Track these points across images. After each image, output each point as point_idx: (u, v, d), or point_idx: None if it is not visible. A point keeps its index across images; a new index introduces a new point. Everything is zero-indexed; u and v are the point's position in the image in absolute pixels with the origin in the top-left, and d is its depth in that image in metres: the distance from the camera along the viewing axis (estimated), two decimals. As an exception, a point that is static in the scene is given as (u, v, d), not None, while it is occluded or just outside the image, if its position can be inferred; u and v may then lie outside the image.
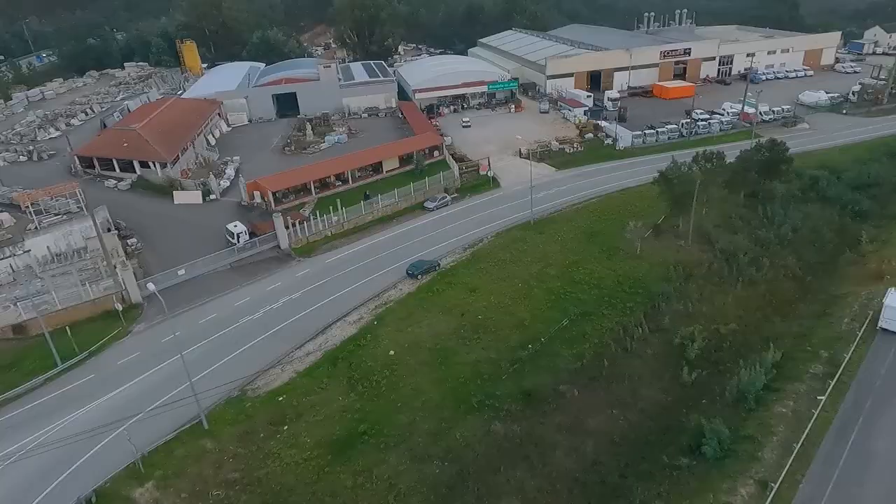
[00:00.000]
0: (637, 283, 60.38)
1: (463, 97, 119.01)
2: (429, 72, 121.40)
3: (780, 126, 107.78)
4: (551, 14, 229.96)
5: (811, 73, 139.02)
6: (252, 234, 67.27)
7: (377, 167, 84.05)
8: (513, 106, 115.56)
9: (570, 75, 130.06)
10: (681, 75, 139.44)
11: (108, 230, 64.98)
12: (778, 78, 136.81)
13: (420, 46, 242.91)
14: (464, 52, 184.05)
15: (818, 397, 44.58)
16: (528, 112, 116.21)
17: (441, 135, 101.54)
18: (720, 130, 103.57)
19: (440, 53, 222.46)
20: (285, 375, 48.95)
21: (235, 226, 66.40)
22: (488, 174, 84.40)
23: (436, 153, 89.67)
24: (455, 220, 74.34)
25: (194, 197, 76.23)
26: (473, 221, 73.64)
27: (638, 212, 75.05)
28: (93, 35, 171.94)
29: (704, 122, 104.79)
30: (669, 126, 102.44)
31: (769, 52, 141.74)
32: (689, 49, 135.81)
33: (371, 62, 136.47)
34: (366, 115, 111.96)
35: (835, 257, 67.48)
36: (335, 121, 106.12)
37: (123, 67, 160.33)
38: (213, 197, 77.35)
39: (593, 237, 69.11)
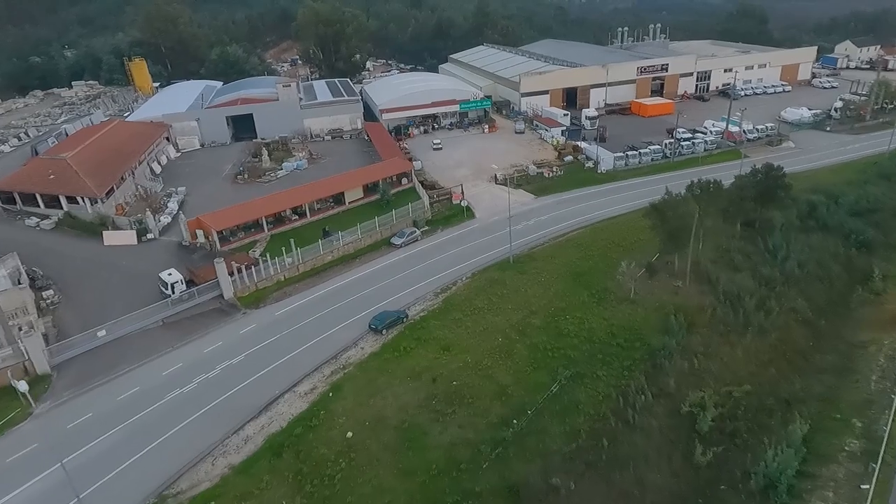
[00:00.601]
0: (633, 335, 52.19)
1: (433, 117, 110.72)
2: (397, 90, 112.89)
3: (764, 145, 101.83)
4: (523, 29, 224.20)
5: (789, 88, 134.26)
6: (190, 283, 57.56)
7: (339, 198, 74.93)
8: (486, 126, 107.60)
9: (546, 92, 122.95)
10: (658, 91, 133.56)
11: (19, 282, 54.68)
12: (756, 93, 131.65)
13: (390, 62, 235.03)
14: (434, 68, 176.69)
15: (862, 486, 36.75)
16: (502, 132, 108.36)
17: (410, 159, 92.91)
18: (704, 150, 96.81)
19: (410, 69, 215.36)
20: (216, 472, 39.31)
21: (170, 274, 56.51)
22: (461, 203, 75.92)
23: (404, 181, 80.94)
24: (425, 258, 65.59)
25: (128, 237, 66.13)
26: (446, 260, 64.98)
27: (627, 245, 67.37)
28: (39, 52, 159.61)
29: (688, 142, 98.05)
30: (652, 147, 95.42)
31: (746, 68, 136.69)
32: (667, 65, 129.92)
33: (336, 80, 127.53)
34: (329, 137, 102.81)
35: (846, 296, 60.42)
36: (295, 144, 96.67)
37: (71, 86, 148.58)
38: (150, 236, 67.32)
39: (580, 277, 60.91)
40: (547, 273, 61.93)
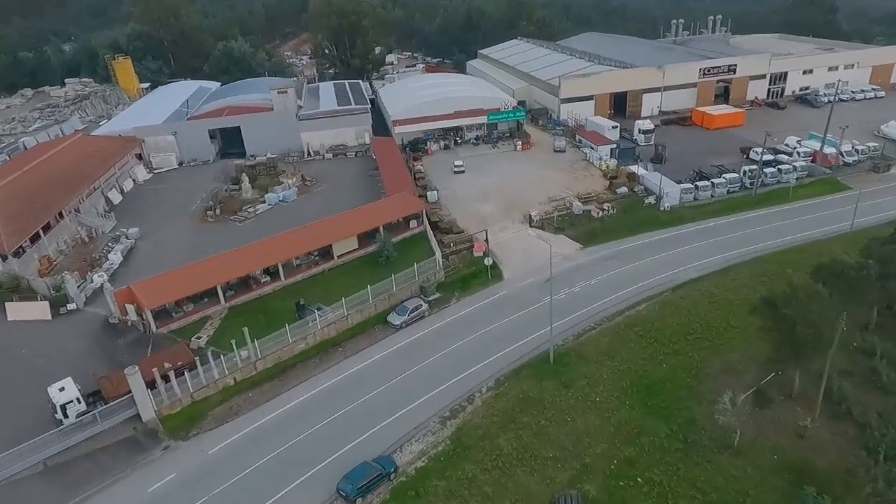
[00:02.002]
0: (746, 523, 32.79)
1: (456, 130, 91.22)
2: (413, 97, 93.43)
3: (867, 171, 79.65)
4: (559, 20, 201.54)
5: (882, 93, 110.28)
6: (95, 398, 39.97)
7: (326, 250, 56.51)
8: (519, 142, 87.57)
9: (590, 98, 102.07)
10: (722, 96, 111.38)
11: None
12: (843, 100, 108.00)
13: (416, 55, 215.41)
14: (463, 63, 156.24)
15: None
16: (538, 149, 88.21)
17: (424, 187, 73.84)
18: (796, 179, 75.21)
19: (437, 63, 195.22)
20: None
21: (62, 390, 38.83)
22: (485, 260, 56.62)
23: (413, 223, 61.94)
24: (431, 349, 46.76)
25: (38, 311, 48.79)
26: (460, 353, 46.13)
27: (714, 335, 47.40)
28: (31, 46, 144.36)
29: (772, 168, 76.50)
30: (729, 175, 74.26)
31: (830, 69, 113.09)
32: (735, 65, 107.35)
33: (346, 82, 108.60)
34: (330, 155, 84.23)
35: None
36: (288, 165, 78.11)
37: (64, 84, 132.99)
38: (71, 307, 49.94)
39: (652, 395, 41.36)
40: (603, 385, 42.51)
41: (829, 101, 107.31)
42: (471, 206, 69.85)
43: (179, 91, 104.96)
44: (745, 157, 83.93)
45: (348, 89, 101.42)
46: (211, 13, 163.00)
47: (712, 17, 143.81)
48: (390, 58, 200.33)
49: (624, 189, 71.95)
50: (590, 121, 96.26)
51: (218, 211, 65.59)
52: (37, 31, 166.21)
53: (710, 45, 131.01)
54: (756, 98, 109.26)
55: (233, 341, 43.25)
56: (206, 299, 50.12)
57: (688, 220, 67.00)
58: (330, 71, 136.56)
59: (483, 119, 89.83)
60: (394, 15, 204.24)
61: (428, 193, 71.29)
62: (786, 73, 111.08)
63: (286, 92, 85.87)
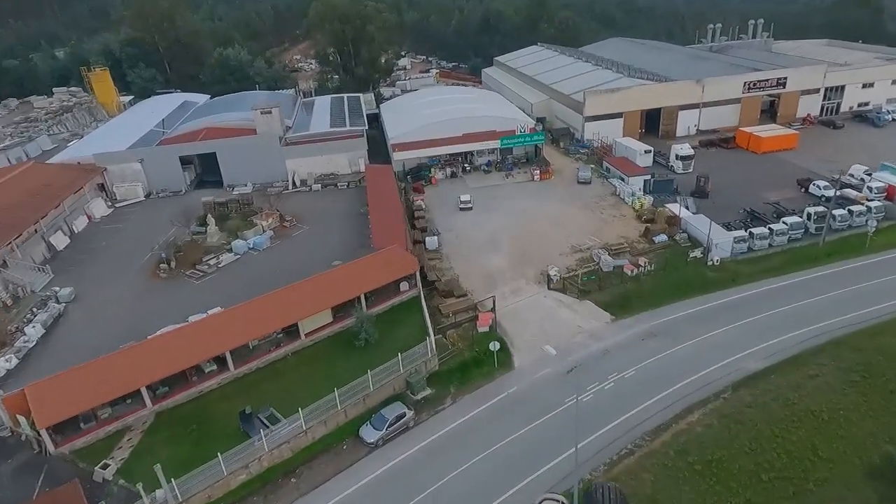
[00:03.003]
0: None
1: (466, 155, 78.59)
2: (416, 116, 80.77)
3: (955, 212, 65.46)
4: (583, 20, 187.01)
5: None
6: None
7: (292, 327, 44.38)
8: (537, 171, 74.61)
9: (618, 115, 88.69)
10: (766, 111, 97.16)
11: None
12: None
13: (430, 59, 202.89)
14: (479, 68, 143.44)
15: None
16: (559, 179, 75.20)
17: (422, 229, 61.45)
18: (870, 223, 61.11)
19: (452, 68, 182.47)
20: None
21: None
22: (490, 344, 43.77)
23: (404, 284, 49.52)
24: (413, 485, 34.46)
25: None
26: (449, 492, 33.82)
27: (802, 477, 34.21)
28: (20, 52, 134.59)
29: (842, 210, 62.52)
30: (790, 219, 60.55)
31: (893, 82, 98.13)
32: (785, 78, 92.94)
33: (345, 97, 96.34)
34: (318, 186, 72.11)
35: None
36: (265, 201, 65.95)
37: (52, 94, 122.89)
38: (-43, 408, 38.63)
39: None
40: (648, 563, 29.95)
41: (895, 120, 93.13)
42: (477, 257, 57.25)
43: (162, 106, 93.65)
44: (802, 190, 70.26)
45: (346, 106, 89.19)
46: (216, 16, 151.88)
47: (753, 22, 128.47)
48: (403, 62, 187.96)
49: (663, 237, 58.66)
50: (619, 143, 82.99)
51: (173, 264, 53.76)
52: (35, 34, 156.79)
53: (751, 53, 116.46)
54: (809, 115, 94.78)
55: (156, 467, 31.18)
56: (128, 400, 38.36)
57: (742, 281, 53.60)
58: (335, 79, 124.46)
59: (495, 143, 77.01)
60: (407, 17, 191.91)
61: (427, 239, 58.91)
62: (843, 87, 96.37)
63: (270, 112, 73.87)
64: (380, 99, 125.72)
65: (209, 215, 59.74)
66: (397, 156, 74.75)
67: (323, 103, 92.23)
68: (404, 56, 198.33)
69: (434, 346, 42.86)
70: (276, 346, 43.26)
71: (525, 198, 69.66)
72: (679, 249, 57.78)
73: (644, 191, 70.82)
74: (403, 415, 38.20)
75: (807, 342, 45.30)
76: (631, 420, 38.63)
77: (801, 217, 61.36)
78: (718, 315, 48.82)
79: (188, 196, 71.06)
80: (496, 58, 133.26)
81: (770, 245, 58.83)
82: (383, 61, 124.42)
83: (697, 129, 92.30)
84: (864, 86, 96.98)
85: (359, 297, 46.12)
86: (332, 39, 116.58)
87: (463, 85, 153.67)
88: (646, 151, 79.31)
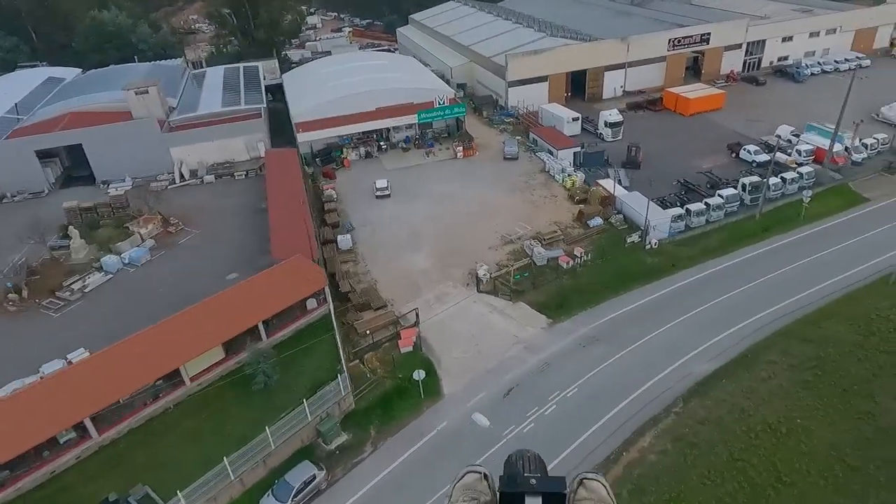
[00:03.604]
0: None
1: (381, 132, 70.22)
2: (322, 90, 70.92)
3: (880, 172, 64.05)
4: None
5: (867, 61, 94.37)
6: None
7: (175, 372, 36.20)
8: (460, 148, 67.50)
9: (543, 79, 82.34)
10: (690, 68, 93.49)
11: None
12: (826, 72, 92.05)
13: (342, 16, 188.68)
14: (394, 26, 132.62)
15: None
16: (484, 155, 68.50)
17: (333, 225, 53.53)
18: (804, 189, 58.35)
19: (367, 26, 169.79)
20: None
21: None
22: (414, 374, 37.29)
23: (313, 301, 41.97)
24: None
25: None
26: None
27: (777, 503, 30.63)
28: None
29: (775, 178, 59.28)
30: (726, 192, 56.76)
31: (811, 34, 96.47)
32: (709, 34, 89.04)
33: (240, 66, 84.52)
34: (212, 177, 62.08)
35: None
36: (138, 206, 54.83)
37: None
38: None
39: None
40: None
41: (814, 74, 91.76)
42: (397, 257, 50.24)
43: (18, 85, 78.66)
44: (733, 155, 67.09)
45: (241, 78, 77.84)
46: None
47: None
48: (313, 20, 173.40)
49: (598, 220, 53.50)
50: (545, 110, 76.90)
51: (24, 292, 43.60)
52: None
53: (672, 6, 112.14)
54: (732, 72, 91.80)
55: None
56: (-48, 492, 29.65)
57: (682, 265, 49.55)
58: (233, 44, 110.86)
59: (413, 118, 68.99)
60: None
61: (339, 238, 51.18)
62: (763, 42, 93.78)
63: (147, 91, 62.35)
64: (287, 64, 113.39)
65: (72, 226, 49.15)
66: (302, 137, 65.47)
67: (215, 76, 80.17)
68: (314, 13, 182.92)
69: (348, 381, 36.04)
70: (153, 398, 35.10)
71: (448, 180, 62.65)
72: (615, 233, 52.91)
73: (574, 164, 65.57)
74: (313, 477, 31.49)
75: (754, 335, 41.80)
76: (579, 451, 33.68)
77: (735, 189, 58.00)
78: (661, 309, 44.52)
79: (53, 197, 59.41)
80: (411, 16, 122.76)
81: (707, 221, 55.14)
82: (286, 22, 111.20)
83: (623, 91, 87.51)
84: (784, 40, 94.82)
85: (256, 327, 38.36)
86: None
87: (377, 45, 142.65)
88: (573, 119, 73.78)
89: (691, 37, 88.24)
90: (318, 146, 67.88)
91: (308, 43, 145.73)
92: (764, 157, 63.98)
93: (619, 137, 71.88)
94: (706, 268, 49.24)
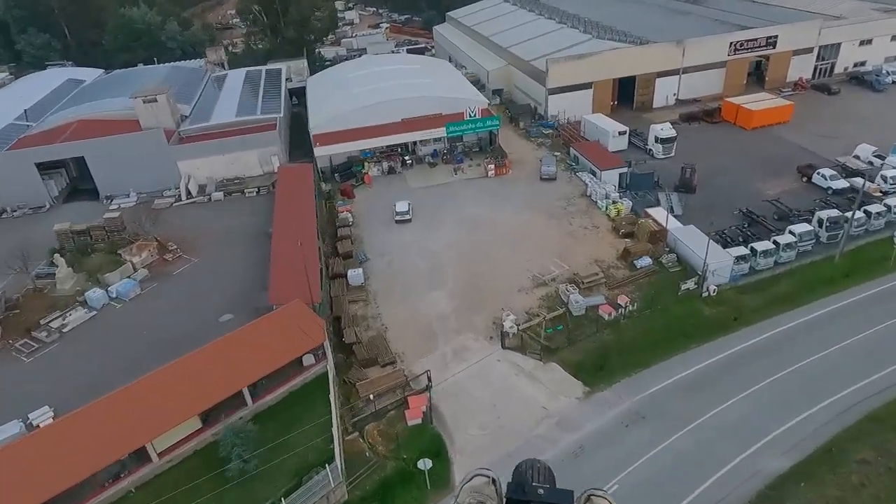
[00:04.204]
0: None
1: (407, 145, 63.70)
2: (344, 97, 64.80)
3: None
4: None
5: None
6: None
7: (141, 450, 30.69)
8: (492, 166, 60.30)
9: (588, 86, 74.27)
10: (752, 74, 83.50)
11: None
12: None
13: (381, 11, 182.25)
14: (433, 23, 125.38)
15: None
16: (519, 173, 61.09)
17: (345, 255, 47.31)
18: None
19: (405, 21, 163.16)
20: None
21: None
22: (418, 462, 30.59)
23: (308, 357, 35.86)
24: None
25: None
26: None
27: None
28: None
29: (860, 212, 50.17)
30: (799, 229, 48.07)
31: (893, 37, 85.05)
32: (776, 37, 79.02)
33: (263, 69, 79.08)
34: (220, 194, 56.73)
35: None
36: (141, 224, 49.71)
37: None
38: None
39: None
40: None
41: (894, 81, 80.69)
42: (413, 297, 43.72)
43: (40, 86, 75.22)
44: (804, 179, 57.99)
45: (262, 82, 72.32)
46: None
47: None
48: (350, 15, 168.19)
49: (646, 260, 45.74)
50: (588, 121, 69.03)
51: (-1, 331, 39.02)
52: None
53: (733, 5, 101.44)
54: (801, 79, 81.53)
55: None
56: None
57: (746, 319, 41.51)
58: (264, 43, 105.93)
59: (441, 131, 62.13)
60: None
61: (350, 273, 44.96)
62: (838, 45, 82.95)
63: (156, 100, 57.34)
64: (321, 62, 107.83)
65: (59, 253, 44.38)
66: (320, 151, 59.46)
67: (236, 79, 74.88)
68: (352, 8, 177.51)
69: (342, 469, 29.80)
70: (113, 477, 29.67)
71: (477, 202, 55.68)
72: (666, 276, 45.09)
73: (620, 186, 57.75)
74: None
75: (838, 420, 33.77)
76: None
77: (809, 223, 49.25)
78: (720, 378, 36.80)
79: (54, 213, 55.10)
80: (449, 13, 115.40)
81: (776, 262, 46.72)
82: (317, 21, 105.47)
83: (677, 99, 78.59)
84: (861, 43, 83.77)
85: (241, 392, 32.52)
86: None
87: (414, 43, 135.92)
88: (620, 133, 65.68)
89: (756, 40, 78.38)
90: (338, 159, 61.89)
91: (344, 40, 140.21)
92: (842, 184, 55.04)
93: (672, 154, 63.63)
94: (775, 323, 41.07)
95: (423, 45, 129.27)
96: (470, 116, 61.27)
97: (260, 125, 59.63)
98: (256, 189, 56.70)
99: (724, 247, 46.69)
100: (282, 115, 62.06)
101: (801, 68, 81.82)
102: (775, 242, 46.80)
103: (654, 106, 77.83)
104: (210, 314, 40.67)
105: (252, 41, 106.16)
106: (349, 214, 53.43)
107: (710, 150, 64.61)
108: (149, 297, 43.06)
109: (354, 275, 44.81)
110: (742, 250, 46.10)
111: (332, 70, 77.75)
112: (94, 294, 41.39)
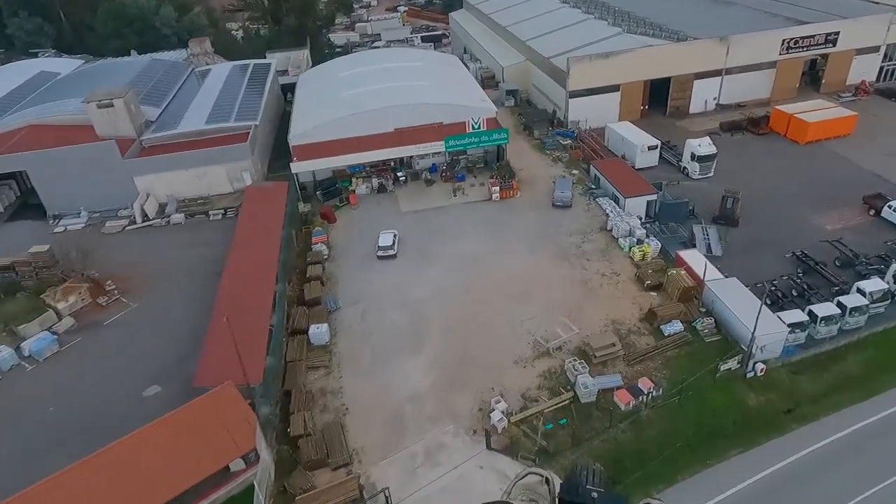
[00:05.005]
0: None
1: (402, 160, 54.58)
2: (331, 102, 55.52)
3: None
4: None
5: None
6: None
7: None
8: (497, 189, 50.84)
9: (615, 88, 63.98)
10: (806, 73, 71.77)
11: None
12: None
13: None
14: (454, 7, 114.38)
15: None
16: (528, 196, 51.52)
17: (312, 302, 38.81)
18: None
19: (424, 4, 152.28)
20: None
21: None
22: None
23: (237, 462, 27.78)
24: None
25: None
26: None
27: None
28: None
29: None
30: (871, 287, 37.91)
31: (977, 34, 72.17)
32: (836, 34, 67.18)
33: (250, 63, 70.14)
34: (181, 216, 48.55)
35: None
36: (71, 261, 41.49)
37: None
38: None
39: None
40: None
41: (977, 89, 68.27)
42: (385, 366, 35.15)
43: (7, 80, 67.50)
44: (872, 213, 47.48)
45: (245, 81, 63.43)
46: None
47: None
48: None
49: (676, 326, 36.25)
50: (612, 130, 59.05)
51: None
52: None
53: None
54: (863, 83, 69.70)
55: None
56: None
57: (804, 413, 32.06)
58: (263, 31, 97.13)
59: (440, 145, 52.73)
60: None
61: (312, 330, 36.47)
62: (911, 43, 70.63)
63: (111, 104, 49.10)
64: (331, 50, 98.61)
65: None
66: (298, 166, 50.71)
67: (218, 76, 66.16)
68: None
69: None
70: None
71: (475, 234, 46.53)
72: (701, 347, 35.60)
73: (647, 215, 48.05)
74: None
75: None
76: None
77: (883, 276, 39.16)
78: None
79: (5, 231, 47.80)
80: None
81: (840, 328, 36.87)
82: (321, 7, 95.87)
83: (717, 104, 67.78)
84: (938, 40, 71.18)
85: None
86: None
87: (431, 28, 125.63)
88: (649, 147, 55.54)
89: (813, 37, 66.71)
90: (323, 174, 53.23)
91: (357, 24, 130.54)
92: (921, 219, 44.51)
93: (710, 174, 53.56)
94: (844, 420, 31.68)
95: (440, 32, 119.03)
96: (474, 127, 51.62)
97: (231, 134, 51.03)
98: (223, 211, 48.39)
99: (773, 307, 37.05)
100: (258, 122, 53.21)
101: (863, 70, 69.92)
102: (840, 305, 36.90)
103: (691, 111, 67.30)
104: (134, 384, 32.88)
105: (250, 28, 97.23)
106: (324, 246, 44.83)
107: (755, 170, 54.43)
108: (67, 357, 35.30)
109: (317, 333, 36.35)
110: (798, 315, 36.33)
111: (325, 67, 68.27)
112: (1, 355, 33.75)
